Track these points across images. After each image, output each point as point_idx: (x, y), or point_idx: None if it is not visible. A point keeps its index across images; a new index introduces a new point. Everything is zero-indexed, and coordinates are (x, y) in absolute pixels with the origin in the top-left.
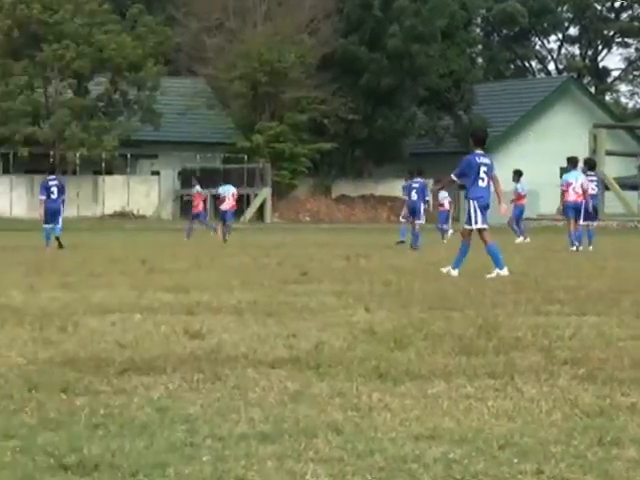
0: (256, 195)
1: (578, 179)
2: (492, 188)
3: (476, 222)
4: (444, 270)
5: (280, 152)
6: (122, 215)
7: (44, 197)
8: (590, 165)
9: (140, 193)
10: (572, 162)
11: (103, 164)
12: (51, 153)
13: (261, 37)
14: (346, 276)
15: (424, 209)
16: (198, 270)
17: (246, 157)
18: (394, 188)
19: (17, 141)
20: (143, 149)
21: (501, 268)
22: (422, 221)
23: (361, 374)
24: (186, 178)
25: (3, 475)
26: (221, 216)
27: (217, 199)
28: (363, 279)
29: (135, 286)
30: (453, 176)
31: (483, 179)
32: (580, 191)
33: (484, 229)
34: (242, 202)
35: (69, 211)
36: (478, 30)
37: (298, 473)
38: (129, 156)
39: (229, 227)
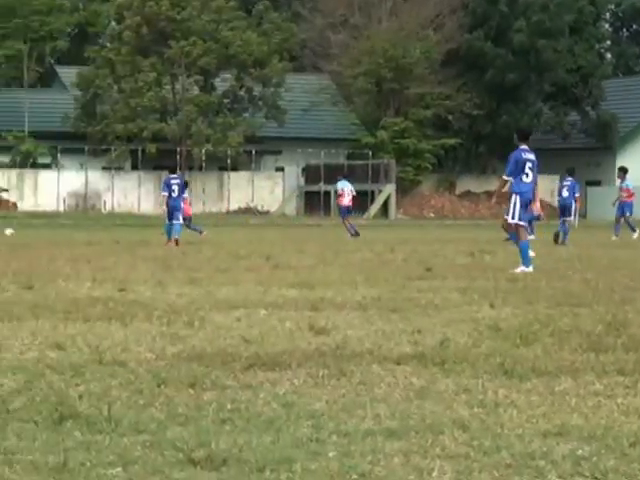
0: (380, 191)
1: None
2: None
3: (513, 217)
4: (517, 271)
5: (404, 148)
6: (247, 211)
7: (166, 194)
8: None
9: (264, 189)
10: None
11: (228, 160)
12: (178, 149)
13: (386, 33)
14: (471, 272)
15: (575, 207)
16: (323, 266)
17: (370, 153)
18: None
19: (145, 137)
20: (267, 145)
21: (527, 266)
22: (571, 218)
23: (487, 370)
24: (310, 174)
25: (134, 469)
26: (341, 212)
27: (338, 196)
28: (488, 275)
29: (260, 282)
30: (505, 177)
31: (527, 174)
32: None
33: (521, 225)
34: (366, 198)
35: (196, 207)
36: (607, 25)
37: (425, 469)
38: (254, 152)
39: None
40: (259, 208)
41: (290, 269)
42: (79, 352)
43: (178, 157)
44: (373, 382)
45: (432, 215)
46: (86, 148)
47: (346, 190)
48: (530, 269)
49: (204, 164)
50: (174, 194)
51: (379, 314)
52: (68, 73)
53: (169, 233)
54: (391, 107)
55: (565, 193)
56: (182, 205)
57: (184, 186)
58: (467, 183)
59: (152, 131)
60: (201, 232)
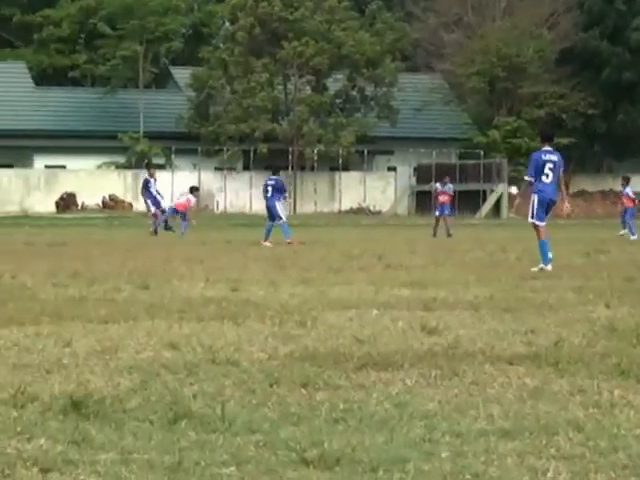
0: (492, 191)
1: None
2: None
3: (532, 216)
4: (535, 269)
5: (517, 147)
6: (358, 211)
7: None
8: None
9: (376, 189)
10: None
11: (340, 160)
12: (289, 150)
13: (500, 32)
14: (586, 272)
15: None
16: (435, 266)
17: (482, 153)
18: (636, 183)
19: (257, 138)
20: (379, 145)
21: (546, 264)
22: None
23: (602, 371)
24: (422, 174)
25: (247, 469)
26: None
27: (440, 193)
28: (603, 275)
29: (372, 282)
30: (527, 177)
31: (547, 175)
32: None
33: (540, 225)
34: (478, 198)
35: (307, 207)
36: None
37: (539, 470)
38: (366, 152)
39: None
40: (371, 208)
41: (402, 269)
42: (193, 352)
43: (290, 157)
44: (486, 382)
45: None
46: (199, 149)
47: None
48: (549, 267)
49: (316, 164)
50: (268, 194)
51: (491, 314)
52: (182, 74)
53: (268, 233)
54: (504, 106)
55: None
56: (277, 205)
57: (279, 188)
58: (581, 182)
59: (264, 131)
60: (171, 229)
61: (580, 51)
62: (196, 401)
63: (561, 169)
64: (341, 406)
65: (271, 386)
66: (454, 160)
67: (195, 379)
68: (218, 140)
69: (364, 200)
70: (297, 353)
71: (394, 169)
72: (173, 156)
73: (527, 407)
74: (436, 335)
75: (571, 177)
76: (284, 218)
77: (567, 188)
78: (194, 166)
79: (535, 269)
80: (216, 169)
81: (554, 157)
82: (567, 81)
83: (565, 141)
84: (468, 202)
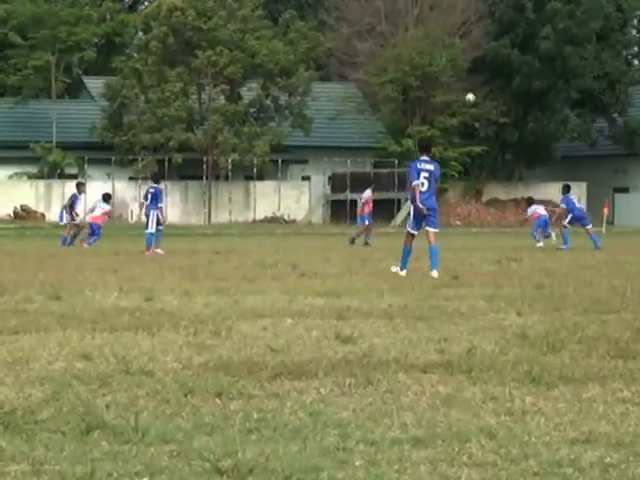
0: (407, 199)
1: None
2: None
3: (409, 225)
4: (393, 270)
5: (431, 156)
6: (273, 220)
7: (144, 202)
8: None
9: (291, 198)
10: None
11: (255, 169)
12: (204, 159)
13: (412, 41)
14: (497, 280)
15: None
16: (349, 275)
17: (396, 161)
18: (546, 191)
19: (172, 147)
20: (294, 154)
21: (402, 270)
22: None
23: (514, 378)
24: (336, 183)
25: (161, 479)
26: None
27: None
28: (515, 283)
29: (286, 291)
30: (413, 184)
31: (423, 184)
32: None
33: (413, 234)
34: (392, 206)
35: (222, 216)
36: (634, 32)
37: (452, 477)
38: (280, 161)
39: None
40: (285, 217)
41: (316, 278)
42: (106, 362)
43: (204, 166)
44: (400, 390)
45: (458, 223)
46: (113, 158)
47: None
48: (403, 273)
49: (230, 173)
50: (148, 202)
51: (405, 322)
52: (95, 83)
53: (149, 241)
54: (417, 115)
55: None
56: (153, 214)
57: (156, 196)
58: (494, 191)
59: (178, 141)
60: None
61: (491, 60)
62: (109, 412)
63: (436, 179)
64: (255, 415)
65: (185, 396)
66: (368, 169)
67: (108, 390)
68: (132, 150)
69: (279, 209)
70: (211, 363)
71: (308, 178)
72: (86, 166)
73: (440, 415)
74: (350, 344)
75: (484, 185)
76: (151, 229)
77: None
78: (108, 176)
79: (393, 269)
80: (130, 179)
81: (430, 166)
82: (479, 90)
83: (478, 149)
84: (383, 210)
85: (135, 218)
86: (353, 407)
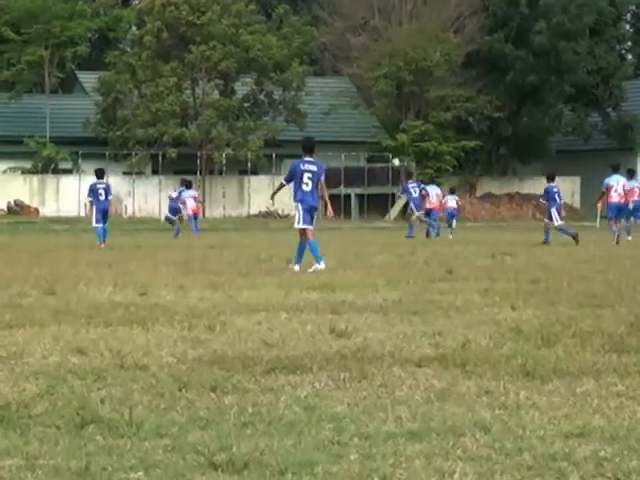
0: (401, 194)
1: (619, 182)
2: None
3: (299, 222)
4: (311, 270)
5: (425, 151)
6: (267, 215)
7: (91, 199)
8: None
9: (285, 193)
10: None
11: (249, 164)
12: (198, 154)
13: (406, 35)
14: (492, 274)
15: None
16: (343, 269)
17: (390, 156)
18: (540, 186)
19: (166, 142)
20: (288, 149)
21: (319, 262)
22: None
23: (508, 372)
24: (330, 177)
25: (155, 473)
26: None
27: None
28: (509, 277)
29: (281, 285)
30: (283, 180)
31: (307, 184)
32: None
33: (306, 229)
34: (387, 201)
35: (216, 211)
36: (628, 26)
37: (446, 471)
38: (274, 156)
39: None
40: (279, 212)
41: (311, 272)
42: (101, 357)
43: (198, 161)
44: (394, 384)
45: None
46: (107, 153)
47: (432, 193)
48: (322, 266)
49: (224, 168)
50: (102, 197)
51: (400, 317)
52: (89, 78)
53: (101, 235)
54: (411, 110)
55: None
56: (109, 208)
57: (109, 190)
58: (488, 185)
59: (172, 136)
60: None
61: (485, 54)
62: (104, 406)
63: (321, 177)
64: (250, 410)
65: (180, 390)
66: (362, 163)
67: (103, 384)
68: (126, 144)
69: (273, 204)
70: (206, 357)
71: None
72: (80, 161)
73: (434, 409)
74: (345, 338)
75: (478, 180)
76: (99, 223)
77: (326, 196)
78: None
79: (311, 270)
80: (124, 173)
81: (313, 167)
82: (473, 84)
83: (472, 144)
84: (377, 205)
85: (129, 213)
86: (348, 401)
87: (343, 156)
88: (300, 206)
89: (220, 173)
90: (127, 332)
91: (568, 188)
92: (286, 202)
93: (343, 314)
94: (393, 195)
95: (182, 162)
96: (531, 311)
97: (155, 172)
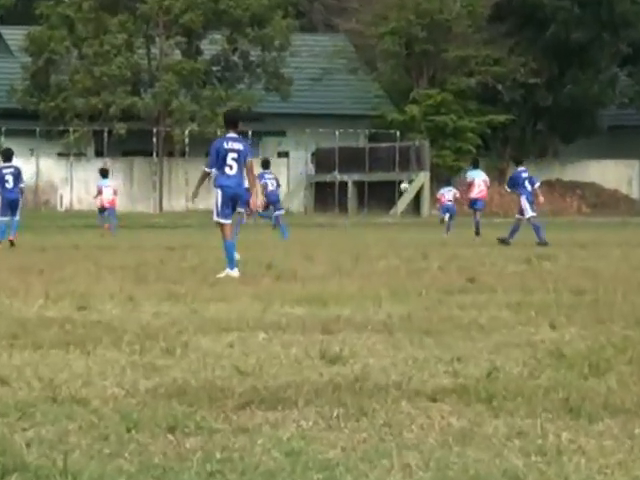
0: (411, 181)
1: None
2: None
3: (217, 215)
4: (222, 275)
5: (441, 127)
6: None
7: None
8: None
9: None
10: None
11: None
12: (154, 130)
13: None
14: (526, 283)
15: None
16: (338, 277)
17: (398, 133)
18: (587, 171)
19: (113, 115)
20: (268, 124)
21: (232, 269)
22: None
23: (546, 408)
24: (322, 161)
25: None
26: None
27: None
28: (548, 287)
29: (259, 297)
30: (206, 169)
31: (231, 166)
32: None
33: (225, 224)
34: (393, 190)
35: (177, 202)
36: None
37: None
38: (250, 133)
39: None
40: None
41: (296, 281)
42: (28, 388)
43: (154, 140)
44: (401, 424)
45: None
46: (37, 130)
47: (477, 181)
48: (235, 273)
49: (188, 149)
50: (8, 185)
51: (409, 337)
52: (14, 35)
53: (2, 232)
54: (424, 75)
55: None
56: (20, 198)
57: (19, 176)
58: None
59: (121, 107)
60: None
61: (518, 5)
62: (30, 450)
63: (248, 158)
64: (218, 455)
65: (129, 431)
66: (362, 143)
67: (30, 423)
68: (62, 118)
69: (193, 201)
70: (162, 388)
71: (286, 154)
72: (3, 138)
73: (453, 455)
74: (339, 364)
75: (508, 164)
76: (18, 216)
77: (254, 182)
78: (31, 152)
79: (221, 275)
80: (59, 155)
81: (238, 145)
82: (503, 42)
83: (501, 118)
84: (380, 196)
85: (66, 205)
86: (342, 445)
87: (338, 133)
88: (220, 194)
89: (182, 155)
90: (62, 356)
91: (623, 174)
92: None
93: (337, 334)
94: (401, 183)
95: (133, 141)
96: (575, 330)
97: (99, 154)
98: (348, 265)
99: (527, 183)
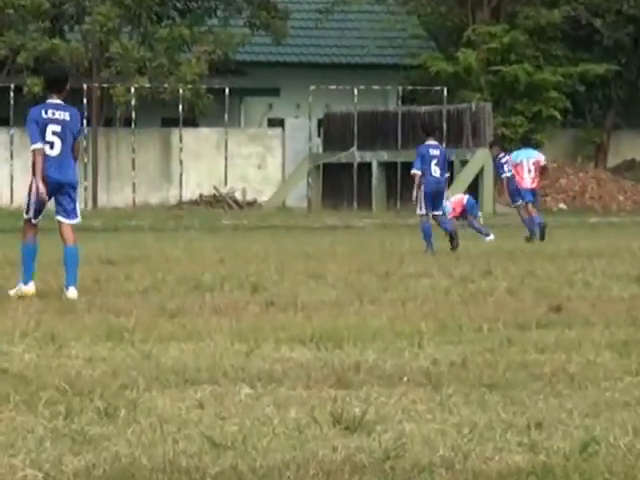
0: (465, 161)
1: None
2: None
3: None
4: (12, 292)
5: (511, 82)
6: (215, 201)
7: None
8: None
9: (248, 161)
10: None
11: (180, 107)
12: (84, 87)
13: None
14: (637, 314)
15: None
16: (358, 303)
17: (446, 91)
18: None
19: (22, 65)
20: (253, 79)
21: (26, 282)
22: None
23: None
24: (333, 132)
25: None
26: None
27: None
28: None
29: (241, 334)
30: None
31: (53, 144)
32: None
33: (62, 222)
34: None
35: (118, 194)
36: None
37: None
38: (227, 92)
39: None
40: (237, 195)
41: (296, 309)
42: None
43: (85, 101)
44: None
45: (563, 206)
46: None
47: (525, 164)
48: (31, 288)
49: (134, 114)
50: None
51: (464, 394)
52: None
53: None
54: (484, 5)
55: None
56: None
57: None
58: (629, 147)
59: (36, 54)
60: None
61: None
62: None
63: (77, 132)
64: None
65: None
66: (393, 106)
67: None
68: None
69: (224, 182)
70: (99, 469)
71: (280, 123)
72: None
73: None
74: (361, 433)
75: (610, 136)
76: None
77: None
78: None
79: (12, 292)
80: None
81: (63, 114)
82: None
83: (601, 69)
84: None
85: None
86: None
87: (356, 92)
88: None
89: (128, 124)
90: None
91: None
92: (250, 177)
93: (357, 388)
94: (451, 163)
95: None
96: None
97: (4, 121)
98: (373, 287)
99: (505, 168)
